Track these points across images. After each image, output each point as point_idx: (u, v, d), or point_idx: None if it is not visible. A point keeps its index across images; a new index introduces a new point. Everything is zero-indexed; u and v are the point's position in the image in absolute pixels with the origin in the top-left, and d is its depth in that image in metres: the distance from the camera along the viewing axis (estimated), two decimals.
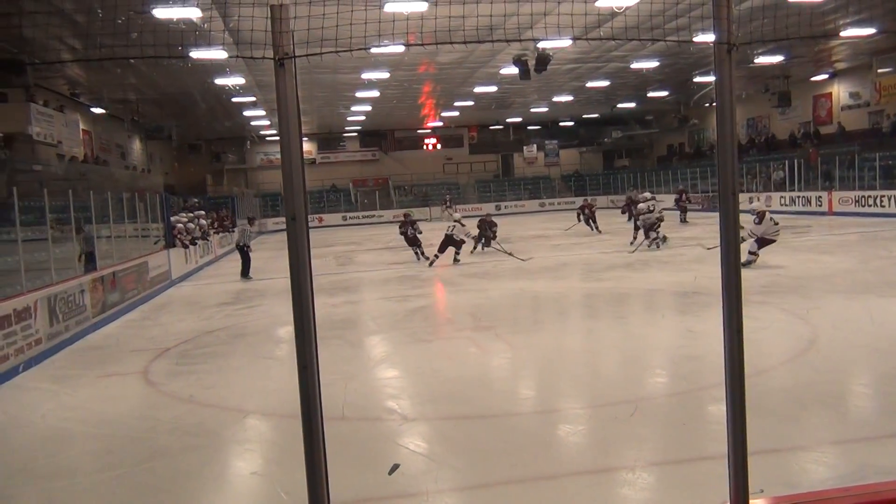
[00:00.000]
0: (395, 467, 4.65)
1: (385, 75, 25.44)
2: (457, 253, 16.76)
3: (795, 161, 28.76)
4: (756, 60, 26.98)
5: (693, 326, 8.48)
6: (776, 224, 13.08)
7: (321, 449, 2.31)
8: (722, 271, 2.43)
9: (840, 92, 31.54)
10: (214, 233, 23.55)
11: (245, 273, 16.29)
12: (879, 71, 27.55)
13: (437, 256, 16.49)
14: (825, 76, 31.57)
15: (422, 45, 16.56)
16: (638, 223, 17.97)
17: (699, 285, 11.17)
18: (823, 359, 6.85)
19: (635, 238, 17.90)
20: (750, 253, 12.70)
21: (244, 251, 16.51)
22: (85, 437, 5.81)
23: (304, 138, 44.37)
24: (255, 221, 16.55)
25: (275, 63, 2.02)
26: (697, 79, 29.19)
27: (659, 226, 17.19)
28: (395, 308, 11.20)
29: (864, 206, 24.23)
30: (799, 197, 27.78)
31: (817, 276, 11.09)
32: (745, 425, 2.39)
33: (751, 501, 2.37)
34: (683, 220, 25.60)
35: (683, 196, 27.12)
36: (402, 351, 8.47)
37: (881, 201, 23.59)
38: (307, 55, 2.10)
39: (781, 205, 28.11)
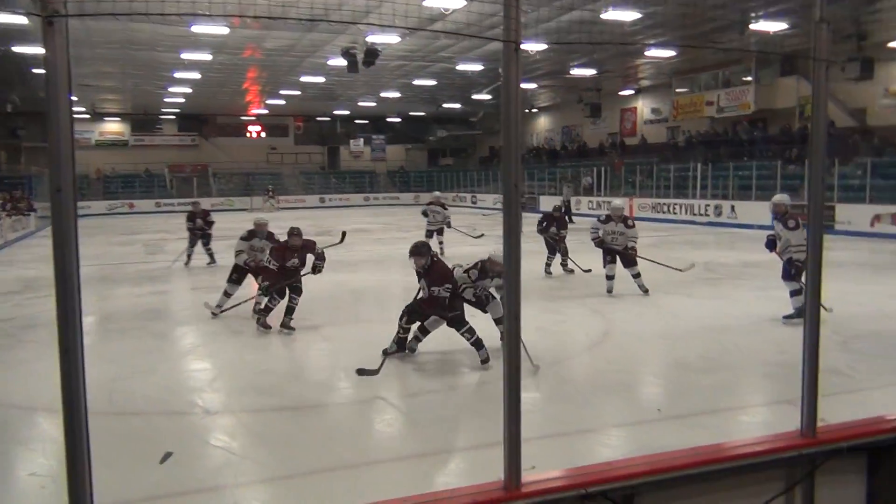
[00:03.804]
0: (168, 455, 4.47)
1: (207, 57, 24.32)
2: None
3: (603, 168, 30.95)
4: (571, 72, 28.75)
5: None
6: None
7: (84, 444, 2.15)
8: (505, 260, 2.56)
9: (643, 107, 34.37)
10: (7, 215, 21.47)
11: None
12: (677, 90, 30.35)
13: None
14: (631, 91, 34.26)
15: (246, 18, 15.93)
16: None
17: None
18: (615, 349, 7.44)
19: None
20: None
21: None
22: None
23: (117, 118, 41.58)
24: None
25: (42, 21, 1.85)
26: (521, 85, 30.54)
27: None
28: (208, 299, 10.72)
29: (659, 213, 26.64)
30: (605, 202, 29.83)
31: (615, 274, 11.93)
32: (519, 406, 2.55)
33: (523, 477, 2.54)
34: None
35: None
36: (211, 343, 8.14)
37: (674, 209, 26.05)
38: (81, 15, 1.94)
39: (589, 208, 30.14)
